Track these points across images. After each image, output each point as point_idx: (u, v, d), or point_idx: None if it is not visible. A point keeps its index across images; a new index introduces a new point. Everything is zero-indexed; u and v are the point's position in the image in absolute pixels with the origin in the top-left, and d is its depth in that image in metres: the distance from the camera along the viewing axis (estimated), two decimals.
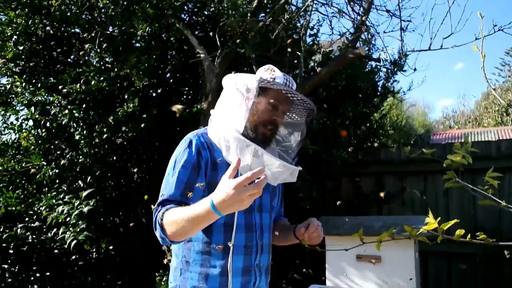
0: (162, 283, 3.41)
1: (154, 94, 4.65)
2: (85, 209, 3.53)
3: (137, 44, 4.30)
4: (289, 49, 3.71)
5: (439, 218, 1.43)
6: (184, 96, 4.76)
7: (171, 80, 4.69)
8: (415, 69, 4.18)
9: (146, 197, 3.98)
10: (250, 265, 1.60)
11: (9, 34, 4.11)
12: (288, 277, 5.00)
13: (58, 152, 4.03)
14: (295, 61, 4.09)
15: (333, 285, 2.88)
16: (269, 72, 1.64)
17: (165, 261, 3.70)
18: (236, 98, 1.61)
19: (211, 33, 4.11)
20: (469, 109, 24.34)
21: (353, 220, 3.46)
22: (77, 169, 3.93)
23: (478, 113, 21.87)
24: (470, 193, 1.44)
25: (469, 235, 1.48)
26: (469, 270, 4.42)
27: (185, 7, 4.60)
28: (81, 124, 3.95)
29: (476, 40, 3.25)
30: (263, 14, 4.22)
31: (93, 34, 3.86)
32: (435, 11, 3.55)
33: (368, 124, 5.29)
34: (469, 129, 18.41)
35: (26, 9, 4.02)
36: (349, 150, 4.69)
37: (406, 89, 5.38)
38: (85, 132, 3.92)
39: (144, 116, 3.90)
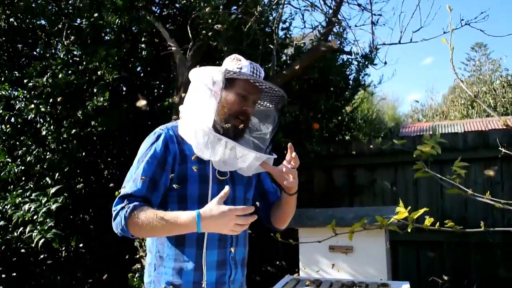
0: (135, 279, 3.35)
1: (124, 88, 4.56)
2: (53, 207, 3.43)
3: (107, 37, 4.20)
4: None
5: (409, 207, 1.46)
6: (156, 90, 4.68)
7: (142, 74, 4.61)
8: (385, 63, 4.26)
9: (117, 193, 3.90)
10: (225, 258, 1.59)
11: None
12: (261, 270, 5.02)
13: (24, 149, 3.91)
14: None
15: (307, 276, 2.91)
16: (235, 62, 1.61)
17: (137, 257, 3.64)
18: (204, 92, 1.60)
19: (183, 26, 4.05)
20: (437, 102, 25.04)
21: (325, 212, 3.49)
22: (45, 166, 3.82)
23: (445, 106, 22.52)
24: (438, 184, 1.49)
25: (437, 223, 1.52)
26: (437, 258, 4.56)
27: None
28: (48, 119, 3.83)
29: (445, 34, 3.34)
30: (235, 7, 4.19)
31: (60, 26, 3.74)
32: (405, 5, 3.62)
33: (340, 117, 5.35)
34: (436, 122, 18.94)
35: None
36: (321, 143, 4.73)
37: (377, 82, 5.48)
38: (52, 127, 3.81)
39: (115, 110, 3.82)
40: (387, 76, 14.10)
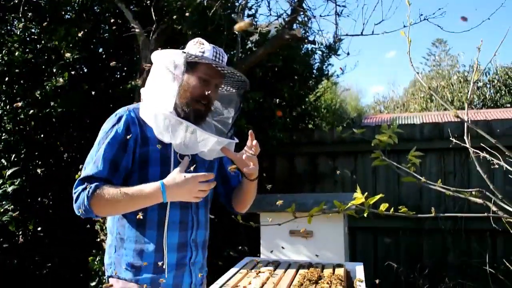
0: (96, 263, 3.32)
1: (85, 70, 4.44)
2: (10, 189, 3.35)
3: (67, 15, 4.07)
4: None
5: (366, 193, 1.52)
6: (118, 72, 4.59)
7: (104, 55, 4.50)
8: (348, 54, 4.35)
9: (77, 176, 3.83)
10: (186, 240, 1.61)
11: None
12: (224, 255, 5.07)
13: None
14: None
15: (267, 258, 2.98)
16: (198, 46, 1.61)
17: (98, 240, 3.60)
18: (165, 75, 1.59)
19: (147, 8, 3.98)
20: (398, 95, 25.74)
21: (286, 197, 3.57)
22: (0, 147, 3.69)
23: (405, 99, 23.19)
24: (395, 173, 1.57)
25: (392, 209, 1.60)
26: (393, 243, 4.76)
27: None
28: (4, 98, 3.69)
29: (405, 28, 3.45)
30: None
31: (16, 1, 3.58)
32: None
33: (303, 106, 5.43)
34: (397, 113, 19.52)
35: None
36: (284, 131, 4.80)
37: (340, 72, 5.59)
38: (8, 107, 3.67)
39: (75, 92, 3.72)
40: (349, 67, 14.30)
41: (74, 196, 1.48)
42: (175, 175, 1.45)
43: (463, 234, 4.44)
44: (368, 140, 2.14)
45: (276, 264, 2.47)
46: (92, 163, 1.50)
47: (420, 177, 1.74)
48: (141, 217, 1.49)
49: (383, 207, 1.58)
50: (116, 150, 1.50)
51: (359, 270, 2.29)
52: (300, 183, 5.08)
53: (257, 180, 1.73)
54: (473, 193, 1.60)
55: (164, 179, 1.44)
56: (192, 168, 1.54)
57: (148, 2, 3.45)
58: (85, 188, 1.44)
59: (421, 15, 3.38)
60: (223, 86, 1.73)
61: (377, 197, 1.58)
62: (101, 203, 1.43)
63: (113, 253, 1.60)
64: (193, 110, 1.58)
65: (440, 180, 1.75)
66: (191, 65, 1.57)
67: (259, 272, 2.23)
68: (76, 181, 1.49)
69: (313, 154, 5.12)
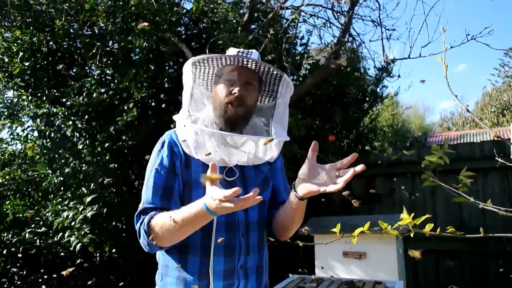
0: None
1: (153, 104, 4.88)
2: (89, 214, 3.76)
3: (136, 57, 4.54)
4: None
5: (413, 214, 1.54)
6: (181, 105, 4.97)
7: (168, 90, 4.93)
8: (399, 76, 4.43)
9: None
10: (233, 267, 1.46)
11: (15, 50, 4.36)
12: (284, 278, 5.18)
13: (62, 161, 4.26)
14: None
15: (309, 276, 3.10)
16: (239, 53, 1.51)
17: None
18: (187, 87, 1.53)
19: (206, 45, 4.34)
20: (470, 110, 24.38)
21: (340, 219, 3.67)
22: (81, 177, 4.15)
23: (475, 114, 21.98)
24: (456, 193, 1.58)
25: (438, 229, 1.63)
26: (456, 266, 4.62)
27: (181, 21, 4.85)
28: (84, 134, 4.18)
29: (452, 48, 3.48)
30: (253, 26, 4.46)
31: (94, 51, 4.10)
32: (416, 21, 3.79)
33: (359, 129, 5.51)
34: (466, 130, 18.61)
35: (31, 27, 4.27)
36: (339, 154, 4.90)
37: (397, 93, 5.61)
38: (87, 141, 4.15)
39: (143, 125, 4.13)
40: (403, 87, 14.03)
41: (137, 233, 1.40)
42: (208, 193, 1.23)
43: None
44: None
45: (320, 281, 2.59)
46: (145, 195, 1.44)
47: (468, 197, 1.79)
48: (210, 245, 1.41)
49: (428, 227, 1.63)
50: (165, 175, 1.43)
51: (398, 287, 2.35)
52: (357, 206, 5.10)
53: (306, 201, 1.47)
54: None
55: (205, 200, 1.23)
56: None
57: (207, 38, 3.78)
58: (142, 222, 1.37)
59: (468, 34, 3.40)
60: (255, 83, 1.52)
61: (423, 217, 1.64)
62: (158, 233, 1.32)
63: (160, 281, 1.52)
64: (227, 116, 1.46)
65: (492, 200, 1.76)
66: (217, 75, 1.52)
67: None
68: (135, 217, 1.42)
69: (370, 176, 5.14)
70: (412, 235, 1.61)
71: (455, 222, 4.55)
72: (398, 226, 1.69)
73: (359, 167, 1.31)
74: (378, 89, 5.48)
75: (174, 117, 1.53)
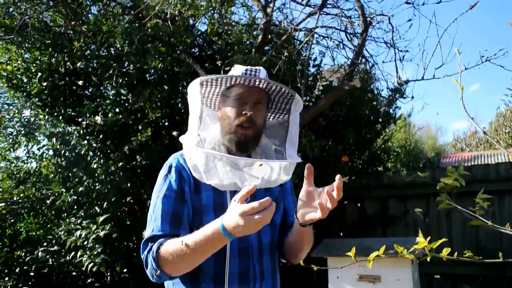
0: None
1: (166, 123, 4.93)
2: (102, 234, 3.76)
3: (151, 78, 4.61)
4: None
5: (429, 237, 1.52)
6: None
7: (182, 110, 4.97)
8: (412, 97, 4.43)
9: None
10: None
11: (34, 70, 4.46)
12: None
13: (76, 180, 4.29)
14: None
15: None
16: (247, 71, 1.43)
17: None
18: (191, 111, 1.44)
19: (220, 66, 4.40)
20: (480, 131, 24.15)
21: (353, 242, 3.62)
22: (94, 196, 4.18)
23: (489, 135, 21.64)
24: (471, 216, 1.55)
25: (455, 253, 1.60)
26: None
27: (195, 42, 4.92)
28: (98, 153, 4.22)
29: (466, 70, 3.47)
30: (267, 48, 4.51)
31: (110, 71, 4.17)
32: (429, 43, 3.81)
33: (372, 150, 5.48)
34: (480, 151, 18.39)
35: (50, 48, 4.37)
36: (352, 177, 4.87)
37: (410, 114, 5.62)
38: (101, 160, 4.18)
39: (156, 144, 4.16)
40: (416, 108, 14.02)
41: (144, 262, 1.31)
42: (230, 212, 1.17)
43: None
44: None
45: None
46: (153, 222, 1.35)
47: (486, 221, 1.76)
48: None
49: (445, 251, 1.59)
50: (174, 201, 1.36)
51: None
52: (371, 227, 5.06)
53: (311, 227, 1.42)
54: None
55: (223, 220, 1.18)
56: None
57: (219, 63, 3.83)
58: (149, 250, 1.28)
59: (482, 56, 3.39)
60: (264, 102, 1.46)
61: (440, 241, 1.60)
62: (168, 260, 1.24)
63: None
64: (238, 139, 1.39)
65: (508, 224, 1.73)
66: (224, 95, 1.44)
67: None
68: (141, 245, 1.34)
69: (384, 197, 5.10)
70: (428, 259, 1.59)
71: (471, 245, 4.46)
72: (414, 250, 1.66)
73: (337, 183, 1.23)
74: (391, 110, 5.48)
75: (181, 139, 1.46)
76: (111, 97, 4.34)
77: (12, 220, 4.68)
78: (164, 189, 1.38)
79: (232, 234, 1.16)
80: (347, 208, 5.21)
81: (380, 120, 5.44)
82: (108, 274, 4.47)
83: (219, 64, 3.65)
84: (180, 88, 5.01)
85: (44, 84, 4.44)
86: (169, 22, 4.06)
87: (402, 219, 4.97)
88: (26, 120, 4.77)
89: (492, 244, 4.42)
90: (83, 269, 3.68)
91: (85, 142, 4.14)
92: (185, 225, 1.36)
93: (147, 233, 1.34)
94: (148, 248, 1.29)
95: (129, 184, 4.43)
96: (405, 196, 4.99)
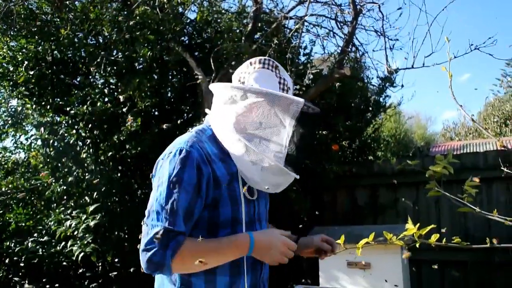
0: None
1: (156, 113, 4.89)
2: (92, 223, 3.75)
3: (140, 66, 4.56)
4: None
5: (418, 224, 1.57)
6: (185, 114, 4.99)
7: (172, 100, 4.94)
8: (402, 86, 4.43)
9: (143, 222, 4.16)
10: (256, 281, 1.46)
11: (20, 59, 4.39)
12: None
13: (65, 170, 4.26)
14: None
15: (313, 286, 3.08)
16: (281, 86, 1.46)
17: None
18: (271, 120, 1.41)
19: (209, 54, 4.36)
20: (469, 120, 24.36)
21: (344, 229, 3.64)
22: (84, 186, 4.15)
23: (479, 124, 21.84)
24: (460, 203, 1.56)
25: (444, 239, 1.63)
26: (461, 277, 4.57)
27: (185, 30, 4.87)
28: (87, 143, 4.18)
29: (456, 58, 3.48)
30: (257, 36, 4.48)
31: (98, 60, 4.12)
32: (419, 31, 3.81)
33: (362, 138, 5.50)
34: (469, 140, 18.57)
35: (36, 36, 4.30)
36: (342, 163, 4.89)
37: (400, 103, 5.64)
38: (91, 150, 4.15)
39: (147, 134, 4.13)
40: (406, 97, 14.03)
41: (145, 252, 1.27)
42: (266, 234, 1.37)
43: None
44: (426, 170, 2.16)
45: None
46: (166, 214, 1.28)
47: (474, 207, 1.78)
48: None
49: (434, 237, 1.62)
50: (191, 196, 1.30)
51: None
52: (361, 216, 5.09)
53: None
54: None
55: (256, 235, 1.33)
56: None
57: (211, 47, 3.80)
58: (165, 246, 1.24)
59: (471, 44, 3.40)
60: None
61: (428, 228, 1.62)
62: (184, 261, 1.26)
63: None
64: (287, 160, 1.45)
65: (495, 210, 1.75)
66: (278, 116, 1.43)
67: None
68: (148, 238, 1.27)
69: (374, 186, 5.12)
70: (417, 245, 1.62)
71: (460, 232, 4.51)
72: (404, 237, 1.68)
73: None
74: (381, 99, 5.48)
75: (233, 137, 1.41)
76: (99, 86, 4.28)
77: (0, 211, 4.64)
78: (182, 181, 1.30)
79: (255, 249, 1.31)
80: (338, 197, 5.24)
81: (370, 108, 5.45)
82: (100, 264, 4.46)
83: (209, 49, 3.60)
84: (170, 77, 4.97)
85: (31, 73, 4.37)
86: (157, 10, 4.01)
87: (393, 207, 5.01)
88: (13, 109, 4.71)
89: (481, 232, 4.48)
90: (74, 258, 3.66)
91: (74, 131, 4.10)
92: (194, 221, 1.34)
93: (156, 223, 1.28)
94: (164, 243, 1.24)
95: (119, 174, 4.40)
96: (395, 185, 5.02)
